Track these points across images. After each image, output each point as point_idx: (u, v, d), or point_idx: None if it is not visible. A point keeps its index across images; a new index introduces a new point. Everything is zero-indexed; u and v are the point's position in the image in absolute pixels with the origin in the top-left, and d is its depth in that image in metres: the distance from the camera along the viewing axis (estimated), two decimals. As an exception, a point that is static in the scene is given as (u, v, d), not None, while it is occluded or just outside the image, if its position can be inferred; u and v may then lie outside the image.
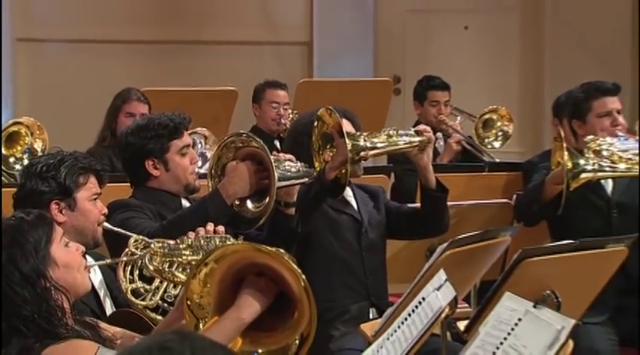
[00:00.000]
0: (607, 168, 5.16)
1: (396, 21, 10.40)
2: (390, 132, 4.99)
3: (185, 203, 4.71)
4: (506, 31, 10.29)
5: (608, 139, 5.23)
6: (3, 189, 5.05)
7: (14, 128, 6.34)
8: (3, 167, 5.98)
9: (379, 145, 4.90)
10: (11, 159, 6.06)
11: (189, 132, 4.91)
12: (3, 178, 5.75)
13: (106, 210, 4.17)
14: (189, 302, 3.22)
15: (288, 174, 4.58)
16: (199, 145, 5.21)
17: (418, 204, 5.17)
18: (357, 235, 4.97)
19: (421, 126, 5.09)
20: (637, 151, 5.19)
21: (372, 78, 9.56)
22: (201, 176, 4.90)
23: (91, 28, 10.10)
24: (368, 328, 4.38)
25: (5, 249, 3.21)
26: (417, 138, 4.94)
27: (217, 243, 3.71)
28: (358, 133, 4.83)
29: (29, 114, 9.07)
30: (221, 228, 3.89)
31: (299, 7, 10.37)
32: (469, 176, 6.41)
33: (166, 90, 7.51)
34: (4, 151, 6.14)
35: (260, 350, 3.19)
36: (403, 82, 9.43)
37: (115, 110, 6.76)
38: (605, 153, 5.17)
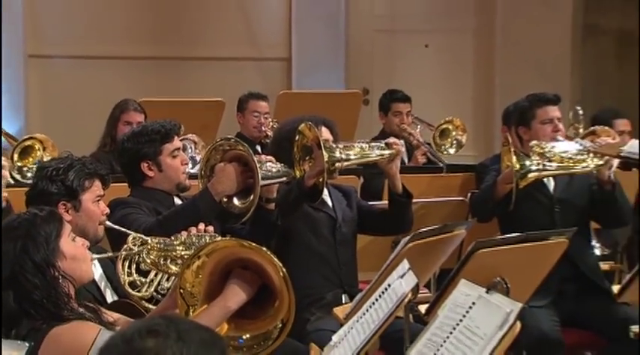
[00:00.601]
0: (550, 168, 5.19)
1: (365, 40, 10.40)
2: (363, 145, 5.02)
3: (177, 200, 4.71)
4: (462, 49, 10.31)
5: (550, 143, 5.25)
6: (16, 189, 5.06)
7: (29, 142, 6.32)
8: (17, 175, 5.95)
9: (353, 157, 4.91)
10: (24, 169, 6.03)
11: (180, 138, 4.90)
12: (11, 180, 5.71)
13: (107, 211, 4.16)
14: (182, 290, 3.23)
15: (270, 173, 4.60)
16: (190, 150, 5.21)
17: (385, 202, 5.17)
18: (332, 230, 4.98)
19: (391, 140, 5.11)
20: (575, 152, 5.22)
21: (343, 90, 9.58)
22: (191, 176, 4.88)
23: (94, 45, 10.09)
24: (340, 311, 4.37)
25: (19, 240, 3.20)
26: (387, 151, 4.97)
27: (207, 240, 3.70)
28: (334, 146, 4.83)
29: (39, 122, 9.15)
30: (210, 228, 3.88)
31: (279, 28, 10.38)
32: (430, 176, 6.45)
33: (161, 100, 7.49)
34: (18, 162, 6.13)
35: (245, 336, 3.18)
36: (371, 94, 9.43)
37: (114, 119, 6.75)
38: (547, 155, 5.19)
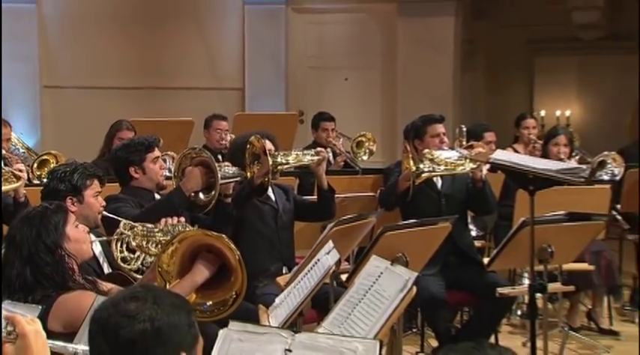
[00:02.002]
0: (438, 170, 5.20)
1: (300, 74, 10.40)
2: (298, 152, 5.05)
3: (157, 196, 4.63)
4: (373, 81, 10.33)
5: (438, 152, 5.27)
6: (33, 188, 5.00)
7: (46, 157, 6.21)
8: (35, 180, 5.83)
9: (291, 161, 4.89)
10: (42, 177, 5.91)
11: (162, 153, 4.84)
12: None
13: (104, 203, 4.10)
14: (160, 269, 3.18)
15: (227, 174, 4.55)
16: (168, 162, 5.14)
17: (315, 197, 5.16)
18: (275, 219, 4.94)
19: (319, 149, 5.12)
20: (456, 158, 5.24)
21: (284, 112, 9.54)
22: (167, 178, 4.81)
23: (95, 78, 10.08)
24: (281, 280, 4.35)
25: (34, 227, 3.15)
26: (316, 157, 4.96)
27: (180, 229, 3.64)
28: (277, 152, 4.80)
29: (52, 137, 9.03)
30: (182, 219, 3.83)
31: (235, 65, 10.34)
32: (349, 177, 6.42)
33: (146, 120, 7.35)
34: (36, 172, 6.02)
35: (208, 303, 3.14)
36: (305, 115, 9.38)
37: (110, 135, 6.61)
38: (436, 160, 5.20)
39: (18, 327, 2.23)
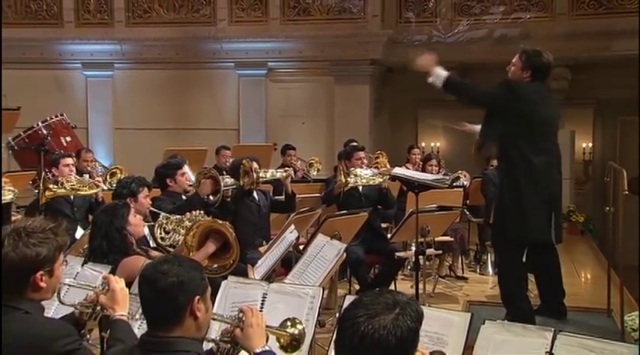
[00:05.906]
0: (359, 182, 5.20)
1: (275, 119, 10.29)
2: (273, 170, 5.06)
3: (183, 197, 4.56)
4: (319, 124, 10.22)
5: (359, 170, 5.29)
6: (107, 192, 4.93)
7: (114, 170, 6.19)
8: (108, 186, 5.67)
9: (268, 176, 4.87)
10: (112, 183, 5.78)
11: (186, 169, 4.77)
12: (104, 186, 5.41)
13: (150, 202, 4.04)
14: (186, 244, 3.15)
15: (228, 184, 4.54)
16: (191, 177, 5.08)
17: (283, 197, 5.13)
18: (258, 211, 4.88)
19: (286, 168, 5.17)
20: (371, 174, 5.25)
21: (264, 143, 9.48)
22: (190, 186, 4.74)
23: (147, 123, 9.97)
24: (262, 249, 4.33)
25: (108, 216, 3.16)
26: (284, 173, 4.96)
27: (200, 218, 3.59)
28: (260, 170, 4.77)
29: (120, 162, 8.82)
30: (202, 212, 3.78)
31: (234, 113, 10.21)
32: (305, 185, 6.38)
33: (178, 149, 7.25)
34: (109, 180, 5.87)
35: (214, 266, 3.11)
36: (278, 146, 9.14)
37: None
38: (358, 175, 5.21)
39: (110, 284, 2.26)
